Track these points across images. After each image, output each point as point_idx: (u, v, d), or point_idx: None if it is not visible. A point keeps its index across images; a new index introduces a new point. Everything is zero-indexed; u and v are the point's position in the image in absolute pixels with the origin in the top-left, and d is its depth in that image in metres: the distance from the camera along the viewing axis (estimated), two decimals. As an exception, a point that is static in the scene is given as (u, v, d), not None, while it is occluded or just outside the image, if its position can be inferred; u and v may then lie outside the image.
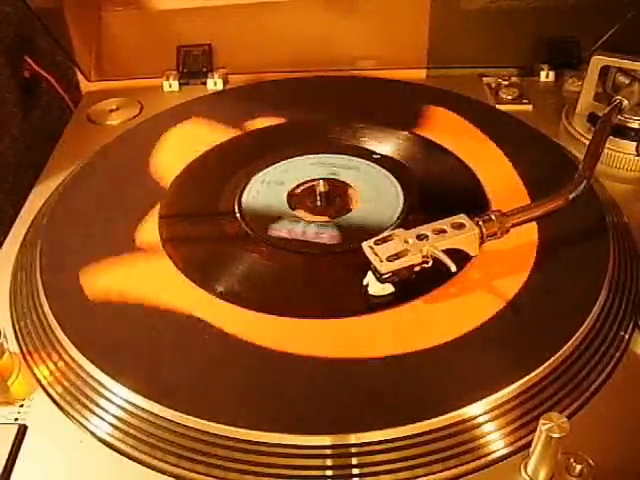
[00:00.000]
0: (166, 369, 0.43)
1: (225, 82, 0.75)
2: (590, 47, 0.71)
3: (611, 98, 0.61)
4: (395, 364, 0.42)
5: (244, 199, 0.56)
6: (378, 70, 0.76)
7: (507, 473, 0.38)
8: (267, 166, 0.60)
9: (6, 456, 0.39)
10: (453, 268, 0.44)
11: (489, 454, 0.39)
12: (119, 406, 0.41)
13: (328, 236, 0.52)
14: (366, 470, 0.38)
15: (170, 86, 0.75)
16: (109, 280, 0.49)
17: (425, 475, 0.38)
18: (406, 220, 0.53)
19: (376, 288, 0.46)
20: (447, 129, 0.64)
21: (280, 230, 0.53)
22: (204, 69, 0.75)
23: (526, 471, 0.38)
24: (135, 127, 0.68)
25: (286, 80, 0.74)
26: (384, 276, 0.45)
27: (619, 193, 0.58)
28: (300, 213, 0.55)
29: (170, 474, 0.39)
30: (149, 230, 0.54)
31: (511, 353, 0.43)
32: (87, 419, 0.42)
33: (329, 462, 0.39)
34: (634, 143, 0.60)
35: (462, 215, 0.47)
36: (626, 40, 0.68)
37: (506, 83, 0.72)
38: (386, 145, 0.62)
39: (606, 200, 0.56)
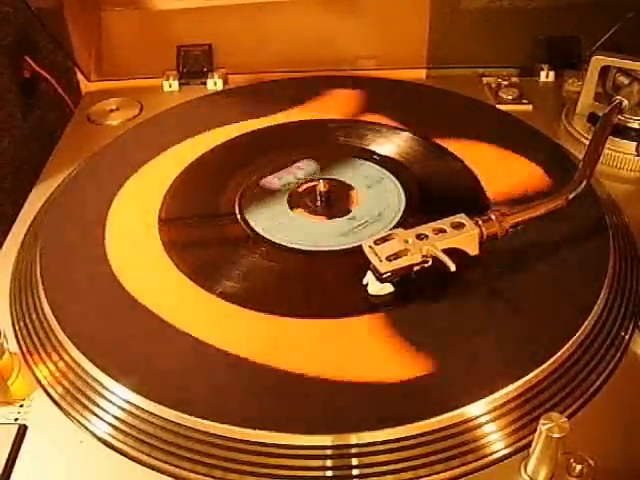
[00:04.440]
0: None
1: (225, 82, 0.75)
2: (590, 47, 0.71)
3: (611, 98, 0.61)
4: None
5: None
6: (378, 70, 0.76)
7: (507, 473, 0.38)
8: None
9: (6, 456, 0.39)
10: (453, 268, 0.44)
11: (489, 454, 0.39)
12: (119, 406, 0.41)
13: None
14: (366, 470, 0.38)
15: (170, 86, 0.75)
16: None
17: (426, 475, 0.38)
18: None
19: (375, 288, 0.46)
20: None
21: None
22: (204, 69, 0.75)
23: (526, 471, 0.38)
24: (135, 127, 0.68)
25: (286, 80, 0.74)
26: (383, 276, 0.45)
27: (619, 193, 0.58)
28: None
29: (170, 474, 0.39)
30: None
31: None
32: (87, 419, 0.42)
33: (329, 462, 0.39)
34: (634, 143, 0.60)
35: (462, 215, 0.47)
36: (626, 40, 0.68)
37: (506, 83, 0.72)
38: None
39: (606, 200, 0.56)
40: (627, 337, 0.45)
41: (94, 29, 0.75)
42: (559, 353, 0.42)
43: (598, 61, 0.62)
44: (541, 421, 0.35)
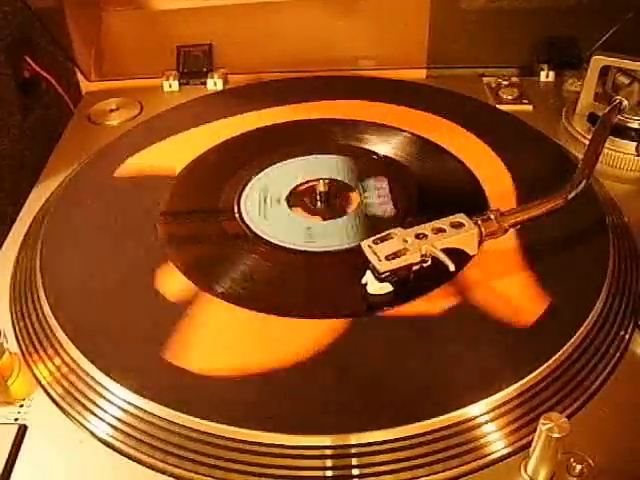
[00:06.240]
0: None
1: (225, 82, 0.75)
2: (590, 47, 0.71)
3: (611, 98, 0.61)
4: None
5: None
6: (378, 70, 0.76)
7: (507, 473, 0.38)
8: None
9: (6, 456, 0.39)
10: (452, 267, 0.44)
11: (489, 454, 0.39)
12: (119, 406, 0.41)
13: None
14: (366, 471, 0.38)
15: (170, 86, 0.75)
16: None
17: (425, 475, 0.38)
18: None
19: (375, 287, 0.46)
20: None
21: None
22: (204, 69, 0.75)
23: (526, 471, 0.38)
24: (135, 127, 0.68)
25: (286, 80, 0.74)
26: (383, 275, 0.45)
27: (619, 193, 0.58)
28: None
29: (170, 474, 0.39)
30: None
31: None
32: (87, 419, 0.42)
33: (329, 462, 0.39)
34: (634, 143, 0.60)
35: (461, 214, 0.47)
36: (626, 40, 0.68)
37: (506, 83, 0.72)
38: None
39: (606, 200, 0.56)
40: (627, 337, 0.45)
41: (94, 29, 0.75)
42: (559, 353, 0.42)
43: (598, 61, 0.62)
44: (541, 421, 0.35)
